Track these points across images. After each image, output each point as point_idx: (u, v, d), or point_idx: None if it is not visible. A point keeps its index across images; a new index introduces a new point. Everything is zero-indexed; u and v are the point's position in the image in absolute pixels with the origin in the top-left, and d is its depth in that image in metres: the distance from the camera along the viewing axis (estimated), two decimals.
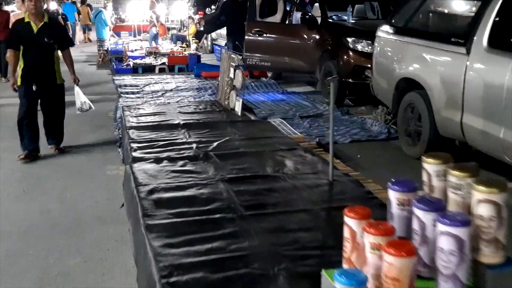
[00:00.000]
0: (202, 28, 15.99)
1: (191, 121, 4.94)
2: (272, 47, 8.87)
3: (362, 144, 5.99)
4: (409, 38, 5.33)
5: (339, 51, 7.79)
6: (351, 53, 7.59)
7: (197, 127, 4.69)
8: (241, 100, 5.26)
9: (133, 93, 9.73)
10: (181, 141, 4.20)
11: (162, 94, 9.62)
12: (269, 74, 10.55)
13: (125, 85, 10.46)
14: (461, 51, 4.57)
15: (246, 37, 8.89)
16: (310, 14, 8.60)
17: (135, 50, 13.66)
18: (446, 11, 5.54)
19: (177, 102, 7.92)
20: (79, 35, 21.47)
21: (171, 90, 9.97)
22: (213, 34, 16.62)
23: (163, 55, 13.29)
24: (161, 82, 10.86)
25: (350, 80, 7.61)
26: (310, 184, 3.24)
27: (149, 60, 12.55)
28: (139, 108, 5.83)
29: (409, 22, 5.52)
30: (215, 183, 3.22)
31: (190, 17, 18.78)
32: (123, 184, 3.75)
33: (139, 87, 10.29)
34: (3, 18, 10.65)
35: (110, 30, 15.78)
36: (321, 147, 4.80)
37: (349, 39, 7.65)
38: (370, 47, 7.45)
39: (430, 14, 5.57)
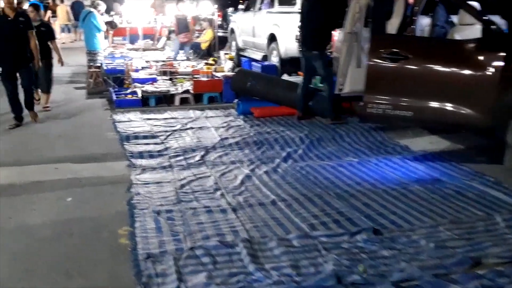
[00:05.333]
0: None
1: None
2: (418, 82, 4.81)
3: None
4: None
5: None
6: None
7: None
8: None
9: (151, 155, 5.66)
10: None
11: (203, 156, 5.59)
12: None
13: (136, 135, 6.37)
14: None
15: (369, 62, 4.86)
16: (493, 23, 4.60)
17: (142, 68, 9.54)
18: None
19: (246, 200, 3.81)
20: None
21: (213, 148, 5.92)
22: (240, 42, 12.55)
23: (183, 75, 9.23)
24: (192, 128, 6.79)
25: None
26: None
27: (165, 86, 8.45)
28: None
29: None
30: None
31: (204, 19, 14.64)
32: None
33: (158, 140, 6.23)
34: None
35: (105, 39, 11.60)
36: None
37: None
38: None
39: None
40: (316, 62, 6.22)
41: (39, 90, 7.85)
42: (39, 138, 6.31)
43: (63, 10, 19.95)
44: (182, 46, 12.05)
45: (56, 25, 20.50)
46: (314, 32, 5.84)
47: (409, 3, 5.90)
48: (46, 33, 7.42)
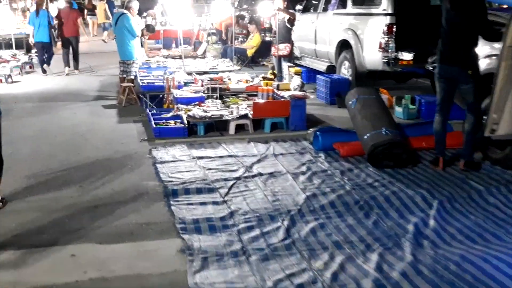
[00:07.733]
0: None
1: None
2: None
3: None
4: None
5: None
6: None
7: None
8: None
9: (212, 226, 3.84)
10: None
11: (288, 230, 3.75)
12: None
13: (186, 187, 4.55)
14: None
15: None
16: None
17: (186, 83, 7.71)
18: None
19: None
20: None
21: (300, 213, 4.06)
22: (296, 49, 10.62)
23: (235, 94, 7.37)
24: (261, 174, 4.93)
25: None
26: None
27: (215, 109, 6.60)
28: None
29: None
30: None
31: (251, 21, 12.78)
32: None
33: (218, 195, 4.41)
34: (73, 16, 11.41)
35: (142, 46, 9.81)
36: None
37: None
38: None
39: None
40: (467, 85, 4.35)
41: None
42: (50, 196, 4.53)
43: (101, 9, 19.44)
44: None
45: (91, 24, 19.64)
46: (470, 47, 4.06)
47: None
48: None
